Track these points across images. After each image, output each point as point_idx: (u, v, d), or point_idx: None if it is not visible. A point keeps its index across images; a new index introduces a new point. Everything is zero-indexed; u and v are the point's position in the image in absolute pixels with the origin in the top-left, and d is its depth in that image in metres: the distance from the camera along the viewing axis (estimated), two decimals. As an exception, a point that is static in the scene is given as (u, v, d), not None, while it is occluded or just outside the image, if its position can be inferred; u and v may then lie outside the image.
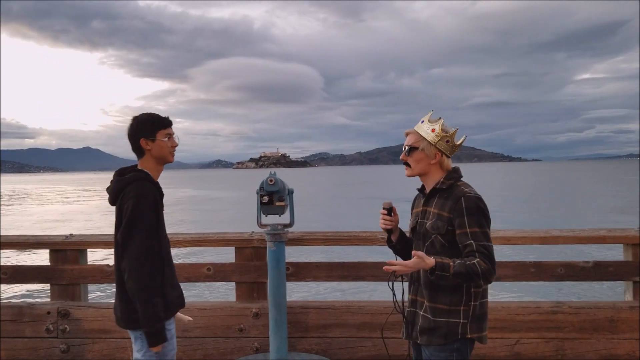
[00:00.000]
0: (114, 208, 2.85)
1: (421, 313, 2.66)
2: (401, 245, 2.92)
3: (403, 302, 2.79)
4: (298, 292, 11.38)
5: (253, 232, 4.44)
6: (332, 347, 4.25)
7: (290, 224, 4.14)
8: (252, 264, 4.36)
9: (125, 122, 2.91)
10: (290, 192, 4.11)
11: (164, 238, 2.91)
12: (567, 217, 29.94)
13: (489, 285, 2.62)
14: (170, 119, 2.98)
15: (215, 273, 4.36)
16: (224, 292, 9.05)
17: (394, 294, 2.79)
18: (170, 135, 2.93)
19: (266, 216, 4.08)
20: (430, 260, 2.43)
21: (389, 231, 2.88)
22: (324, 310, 4.29)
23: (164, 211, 3.06)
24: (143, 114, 2.93)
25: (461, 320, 2.56)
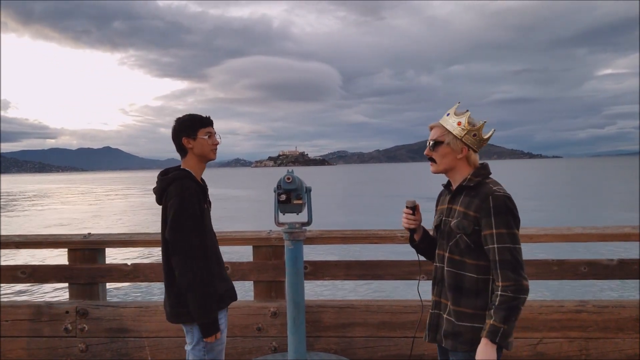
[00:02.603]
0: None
1: (445, 316, 2.56)
2: (424, 244, 2.81)
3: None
4: (316, 291, 11.35)
5: (271, 230, 4.42)
6: (351, 347, 4.21)
7: (308, 223, 4.09)
8: (269, 263, 4.33)
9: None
10: (308, 190, 4.07)
11: (209, 233, 3.02)
12: (589, 214, 29.60)
13: None
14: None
15: (232, 272, 4.33)
16: (241, 291, 9.08)
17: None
18: (211, 134, 3.04)
19: (284, 214, 4.04)
20: (484, 342, 2.34)
21: (412, 230, 2.78)
22: (343, 309, 4.25)
23: (210, 207, 3.14)
24: (185, 115, 3.05)
25: None
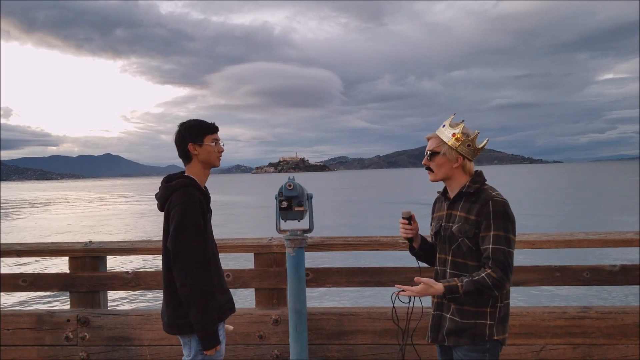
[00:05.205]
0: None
1: (448, 316, 2.70)
2: (423, 251, 2.96)
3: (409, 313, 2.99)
4: (318, 298, 11.31)
5: (272, 237, 4.40)
6: (354, 354, 4.19)
7: (310, 229, 4.08)
8: (271, 270, 4.32)
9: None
10: (310, 197, 4.06)
11: (211, 242, 2.98)
12: (591, 220, 29.54)
13: (512, 288, 2.70)
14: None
15: (234, 279, 4.32)
16: (243, 299, 9.04)
17: (393, 306, 2.90)
18: (216, 141, 3.01)
19: (285, 222, 4.03)
20: (438, 286, 2.54)
21: (410, 239, 2.93)
22: (345, 316, 4.23)
23: (211, 216, 3.10)
24: (190, 120, 3.00)
25: (488, 322, 2.61)
